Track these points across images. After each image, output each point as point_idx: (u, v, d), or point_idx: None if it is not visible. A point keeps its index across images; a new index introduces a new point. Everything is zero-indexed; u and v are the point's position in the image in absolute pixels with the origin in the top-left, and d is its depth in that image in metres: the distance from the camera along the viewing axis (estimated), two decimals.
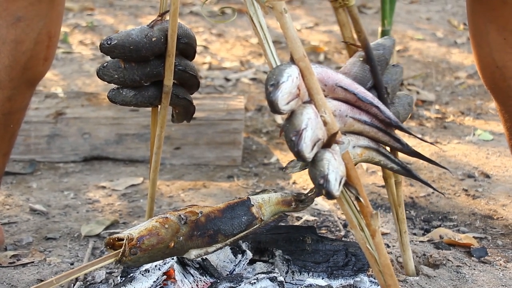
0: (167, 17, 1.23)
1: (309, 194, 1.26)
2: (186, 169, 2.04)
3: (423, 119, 2.48)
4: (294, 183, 1.94)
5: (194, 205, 1.16)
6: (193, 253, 1.09)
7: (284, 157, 2.14)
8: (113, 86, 1.26)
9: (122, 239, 1.03)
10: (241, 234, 1.15)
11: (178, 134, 2.08)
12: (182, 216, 1.09)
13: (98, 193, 1.85)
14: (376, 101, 1.09)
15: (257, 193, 1.25)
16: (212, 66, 3.05)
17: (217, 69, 3.02)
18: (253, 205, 1.18)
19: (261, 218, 1.18)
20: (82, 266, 1.02)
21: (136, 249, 1.02)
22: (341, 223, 1.65)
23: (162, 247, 1.05)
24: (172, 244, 1.06)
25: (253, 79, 2.89)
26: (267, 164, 2.09)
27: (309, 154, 0.92)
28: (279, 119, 2.45)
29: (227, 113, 2.10)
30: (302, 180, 1.95)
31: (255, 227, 1.17)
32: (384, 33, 2.65)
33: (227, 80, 2.87)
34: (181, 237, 1.07)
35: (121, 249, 1.02)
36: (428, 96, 2.70)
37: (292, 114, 0.94)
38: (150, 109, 1.33)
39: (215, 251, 1.12)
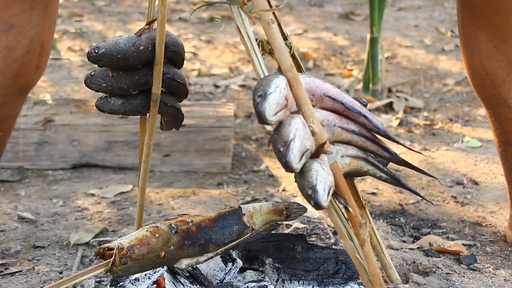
0: (155, 26, 1.23)
1: (300, 206, 1.26)
2: (175, 177, 2.03)
3: (412, 126, 2.50)
4: (284, 190, 1.94)
5: (185, 214, 1.16)
6: (184, 263, 1.09)
7: (274, 164, 2.14)
8: (101, 94, 1.25)
9: (113, 249, 1.02)
10: (233, 244, 1.15)
11: (167, 141, 2.07)
12: (173, 225, 1.09)
13: (87, 201, 1.85)
14: (364, 111, 1.10)
15: (248, 202, 1.25)
16: (201, 72, 3.05)
17: (206, 75, 3.02)
18: (244, 214, 1.18)
19: (252, 227, 1.18)
20: (72, 276, 1.02)
21: (127, 259, 1.02)
22: (331, 230, 1.65)
23: (152, 256, 1.05)
24: (163, 253, 1.06)
25: (242, 86, 2.89)
26: (257, 171, 2.09)
27: (297, 165, 0.92)
28: (269, 126, 2.45)
29: (217, 120, 2.10)
30: (292, 188, 1.95)
31: (246, 236, 1.17)
32: (373, 40, 2.66)
33: (217, 86, 2.87)
34: (172, 247, 1.07)
35: (111, 259, 1.01)
36: (416, 103, 2.72)
37: (280, 125, 0.94)
38: (139, 116, 1.33)
39: (206, 260, 1.12)
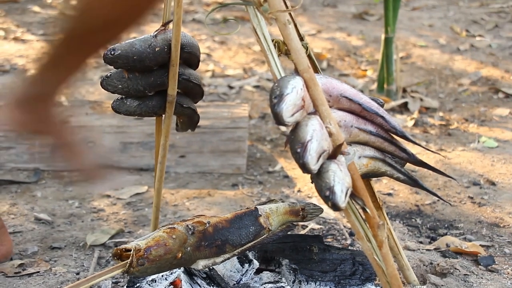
0: (170, 27, 1.23)
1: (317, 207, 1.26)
2: (190, 178, 2.04)
3: (427, 126, 2.48)
4: (299, 191, 1.93)
5: (202, 215, 1.16)
6: (200, 264, 1.09)
7: (289, 164, 2.13)
8: (117, 96, 1.26)
9: (130, 250, 1.02)
10: (249, 244, 1.15)
11: (182, 142, 2.08)
12: (190, 227, 1.09)
13: (102, 202, 1.85)
14: (381, 111, 1.09)
15: (265, 203, 1.25)
16: (215, 73, 3.05)
17: (220, 76, 3.02)
18: (260, 215, 1.17)
19: (268, 228, 1.18)
20: (90, 277, 1.02)
21: (144, 260, 1.02)
22: (347, 231, 1.64)
23: (169, 257, 1.05)
24: (180, 254, 1.06)
25: (256, 87, 2.89)
26: (272, 172, 2.08)
27: (314, 166, 0.92)
28: (284, 127, 2.45)
29: (231, 121, 2.10)
30: (307, 188, 1.94)
31: (263, 237, 1.16)
32: (387, 40, 2.65)
33: (231, 87, 2.87)
34: (189, 248, 1.07)
35: (129, 260, 1.02)
36: (431, 103, 2.70)
37: (297, 126, 0.94)
38: (154, 117, 1.33)
39: (223, 261, 1.12)
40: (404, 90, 2.80)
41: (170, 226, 1.09)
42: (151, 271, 1.04)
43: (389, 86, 2.71)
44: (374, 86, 2.84)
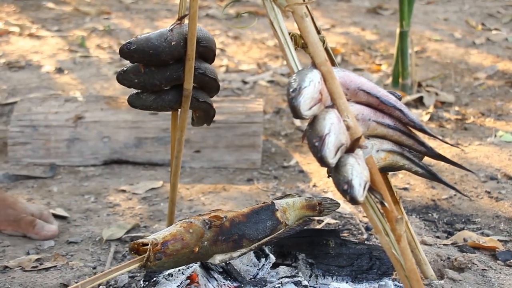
0: (186, 21, 1.23)
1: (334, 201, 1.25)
2: (205, 173, 2.04)
3: (443, 120, 2.46)
4: (314, 186, 1.93)
5: (218, 209, 1.16)
6: (217, 258, 1.09)
7: (304, 159, 2.13)
8: (132, 90, 1.26)
9: (147, 244, 1.02)
10: (266, 239, 1.14)
11: (197, 137, 2.08)
12: (207, 221, 1.08)
13: (118, 197, 1.86)
14: (399, 104, 1.08)
15: (281, 198, 1.24)
16: (229, 68, 3.05)
17: (234, 71, 3.02)
18: (277, 210, 1.17)
19: (285, 223, 1.17)
20: (107, 271, 1.02)
21: (161, 254, 1.02)
22: (363, 226, 1.63)
23: (186, 252, 1.05)
24: (197, 249, 1.06)
25: (270, 82, 2.88)
26: (287, 167, 2.08)
27: (332, 160, 0.91)
28: (298, 121, 2.44)
29: (246, 116, 2.09)
30: (322, 183, 1.94)
31: (279, 231, 1.16)
32: (402, 34, 2.63)
33: (245, 82, 2.86)
34: (206, 242, 1.07)
35: (146, 254, 1.02)
36: (447, 98, 2.68)
37: (314, 119, 0.93)
38: (169, 112, 1.33)
39: (240, 256, 1.12)
40: (419, 85, 2.78)
41: (187, 220, 1.09)
42: (168, 266, 1.04)
43: (404, 81, 2.69)
44: (389, 81, 2.82)
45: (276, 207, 1.17)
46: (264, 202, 1.20)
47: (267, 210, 1.16)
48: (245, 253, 1.12)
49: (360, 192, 0.90)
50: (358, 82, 1.05)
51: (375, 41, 3.46)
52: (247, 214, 1.14)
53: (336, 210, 1.72)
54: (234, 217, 1.12)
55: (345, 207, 1.74)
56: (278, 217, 1.16)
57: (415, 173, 1.13)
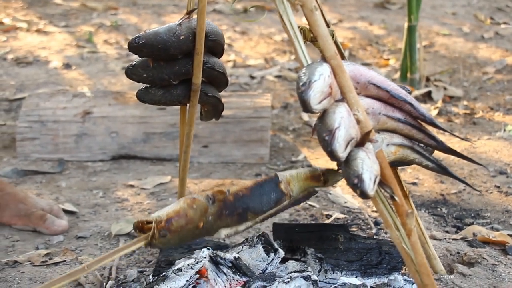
0: (194, 15, 1.22)
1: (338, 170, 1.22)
2: (213, 168, 2.03)
3: (451, 115, 2.45)
4: None
5: (221, 184, 1.15)
6: (223, 232, 1.08)
7: (312, 154, 2.12)
8: (140, 85, 1.25)
9: (151, 222, 1.02)
10: (271, 211, 1.12)
11: (205, 132, 2.07)
12: (210, 196, 1.07)
13: (126, 192, 1.86)
14: (409, 98, 1.08)
15: (285, 170, 1.22)
16: (237, 64, 3.04)
17: (242, 66, 3.01)
18: (281, 181, 1.14)
19: (290, 194, 1.15)
20: (115, 250, 1.02)
21: (165, 231, 1.01)
22: (372, 220, 1.63)
23: (191, 227, 1.04)
24: (201, 224, 1.05)
25: (278, 77, 2.87)
26: (295, 162, 2.07)
27: (342, 154, 0.91)
28: (306, 116, 2.44)
29: (254, 110, 2.09)
30: None
31: (284, 203, 1.14)
32: (410, 29, 2.62)
33: (252, 77, 2.86)
34: (210, 217, 1.06)
35: (151, 232, 1.01)
36: (455, 92, 2.67)
37: (324, 113, 0.93)
38: (177, 107, 1.33)
39: (245, 229, 1.11)
40: (428, 79, 2.76)
41: (190, 196, 1.08)
42: (173, 242, 1.03)
43: (412, 75, 2.68)
44: (397, 75, 2.81)
45: (280, 179, 1.15)
46: (267, 175, 1.18)
47: (270, 182, 1.14)
48: (250, 226, 1.11)
49: (370, 186, 0.90)
50: (368, 76, 1.05)
51: (382, 36, 3.45)
52: (250, 187, 1.12)
53: (345, 205, 1.72)
54: (237, 191, 1.11)
55: (354, 202, 1.74)
56: (282, 189, 1.14)
57: (426, 167, 1.13)
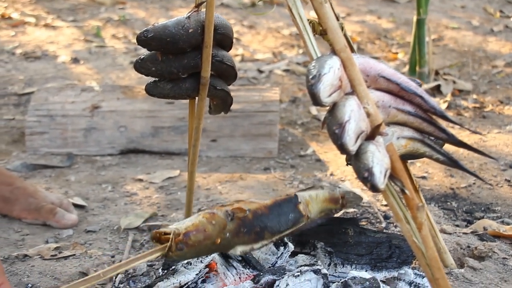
0: (203, 8, 1.22)
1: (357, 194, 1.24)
2: (222, 162, 2.03)
3: (461, 109, 2.44)
4: (331, 174, 1.92)
5: (241, 200, 1.15)
6: (238, 250, 1.08)
7: (321, 148, 2.12)
8: (148, 79, 1.25)
9: (169, 233, 1.02)
10: (287, 231, 1.13)
11: (213, 126, 2.07)
12: (229, 212, 1.07)
13: (135, 186, 1.86)
14: (419, 91, 1.07)
15: (304, 190, 1.23)
16: (245, 58, 3.04)
17: (250, 61, 3.01)
18: (300, 202, 1.15)
19: (308, 216, 1.16)
20: (129, 260, 1.02)
21: (183, 245, 1.01)
22: (381, 214, 1.62)
23: (208, 243, 1.04)
24: (219, 240, 1.05)
25: (286, 71, 2.87)
26: (304, 156, 2.07)
27: (352, 147, 0.90)
28: (314, 110, 2.43)
29: (263, 104, 2.09)
30: (339, 172, 1.93)
31: (301, 224, 1.15)
32: (419, 22, 2.60)
33: (260, 71, 2.85)
34: (228, 234, 1.06)
35: (168, 244, 1.01)
36: (465, 86, 2.65)
37: (334, 106, 0.92)
38: (185, 101, 1.32)
39: (261, 247, 1.11)
40: (437, 73, 2.75)
41: (209, 211, 1.08)
42: (189, 256, 1.03)
43: (421, 69, 2.67)
44: (406, 69, 2.80)
45: (299, 200, 1.16)
46: (287, 195, 1.19)
47: (290, 203, 1.15)
48: (266, 245, 1.11)
49: (381, 180, 0.89)
50: (378, 69, 1.04)
51: (391, 29, 3.43)
52: (269, 206, 1.13)
53: None
54: (256, 209, 1.11)
55: (364, 196, 1.73)
56: (301, 210, 1.15)
57: (436, 160, 1.12)
